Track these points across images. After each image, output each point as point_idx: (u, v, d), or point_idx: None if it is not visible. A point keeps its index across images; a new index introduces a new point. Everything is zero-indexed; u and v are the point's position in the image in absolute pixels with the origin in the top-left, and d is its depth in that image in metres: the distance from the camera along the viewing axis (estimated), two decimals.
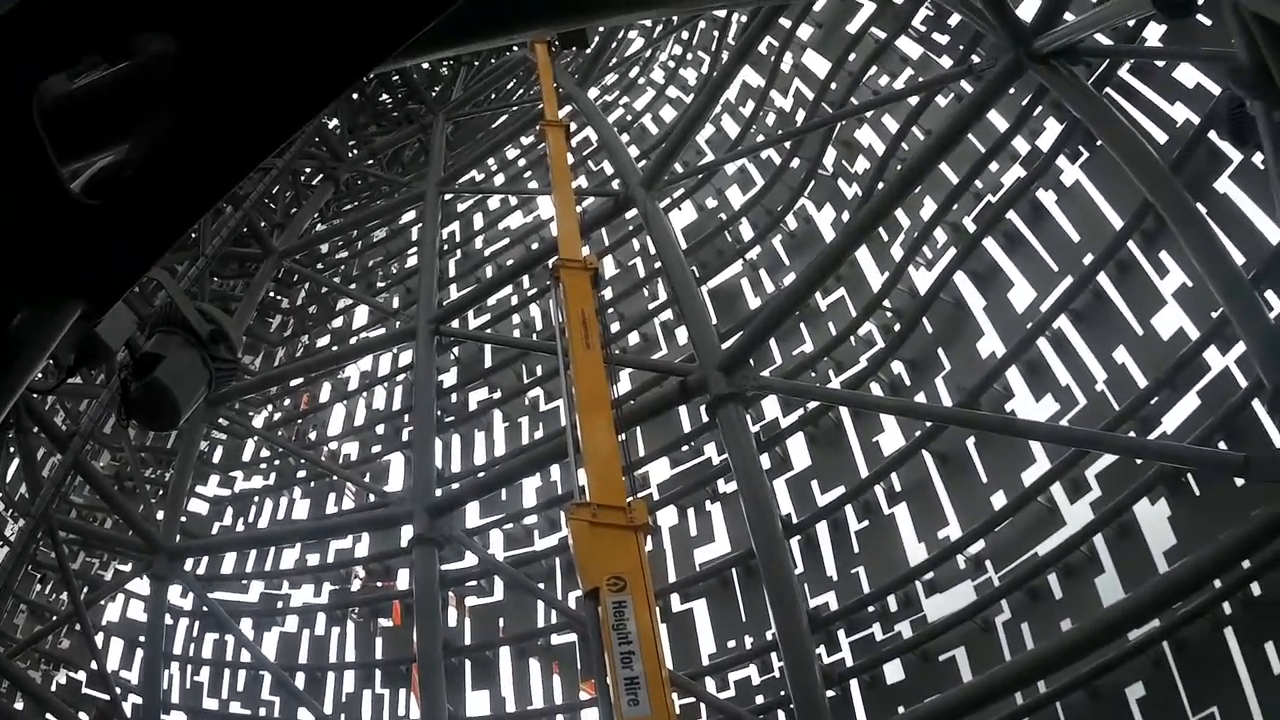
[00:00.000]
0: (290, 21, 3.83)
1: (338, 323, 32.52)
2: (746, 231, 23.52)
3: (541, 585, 21.14)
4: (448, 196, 29.39)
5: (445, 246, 29.93)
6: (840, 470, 18.58)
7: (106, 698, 21.86)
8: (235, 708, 24.88)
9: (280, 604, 25.86)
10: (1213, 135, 13.38)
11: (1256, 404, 12.25)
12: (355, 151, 34.89)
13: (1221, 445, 12.61)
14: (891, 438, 18.07)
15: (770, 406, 20.08)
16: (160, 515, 23.15)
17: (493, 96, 34.23)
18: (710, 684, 18.24)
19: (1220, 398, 12.88)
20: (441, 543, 19.98)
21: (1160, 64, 14.94)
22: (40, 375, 4.82)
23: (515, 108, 32.79)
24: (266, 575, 26.43)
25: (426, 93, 35.83)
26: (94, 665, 22.46)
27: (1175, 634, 12.45)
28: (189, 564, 23.78)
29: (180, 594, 24.73)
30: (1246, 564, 11.59)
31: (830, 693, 15.50)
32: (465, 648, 21.41)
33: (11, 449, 24.03)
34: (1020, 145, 17.30)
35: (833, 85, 21.91)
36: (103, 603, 26.66)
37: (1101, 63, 15.19)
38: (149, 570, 22.48)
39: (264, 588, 26.31)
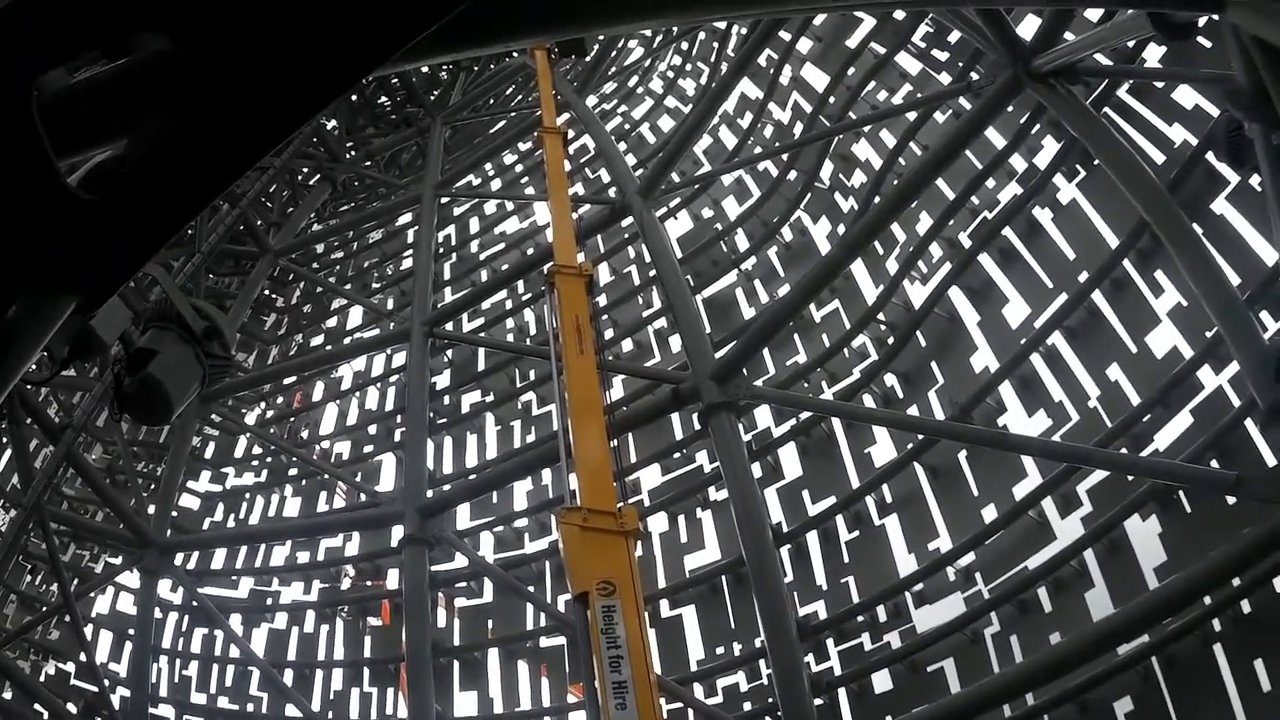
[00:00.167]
0: (290, 23, 3.86)
1: (332, 322, 32.57)
2: (742, 242, 23.56)
3: (531, 588, 21.15)
4: (444, 200, 29.45)
5: (441, 250, 30.02)
6: (831, 481, 18.59)
7: (94, 690, 21.80)
8: (223, 703, 24.88)
9: (270, 600, 25.88)
10: (1210, 156, 13.40)
11: (1249, 423, 12.28)
12: (353, 153, 34.88)
13: (1214, 464, 12.63)
14: (883, 449, 18.09)
15: (762, 416, 20.09)
16: (151, 509, 23.10)
17: (491, 102, 34.31)
18: (698, 690, 18.23)
19: (1213, 417, 12.88)
20: (432, 543, 19.97)
21: (1159, 85, 14.96)
22: (34, 367, 4.84)
23: (513, 113, 32.85)
24: (256, 571, 26.46)
25: (425, 96, 35.78)
26: (83, 657, 22.41)
27: (1164, 650, 12.46)
28: (179, 559, 23.80)
29: (170, 588, 24.78)
30: (1237, 581, 11.63)
31: (818, 701, 15.43)
32: (454, 648, 21.43)
33: (4, 440, 24.08)
34: (1017, 163, 17.33)
35: (831, 99, 21.97)
36: (92, 595, 26.68)
37: (1100, 82, 15.18)
38: (139, 564, 22.43)
39: (254, 584, 26.33)
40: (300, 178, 34.09)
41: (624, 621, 10.42)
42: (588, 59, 29.04)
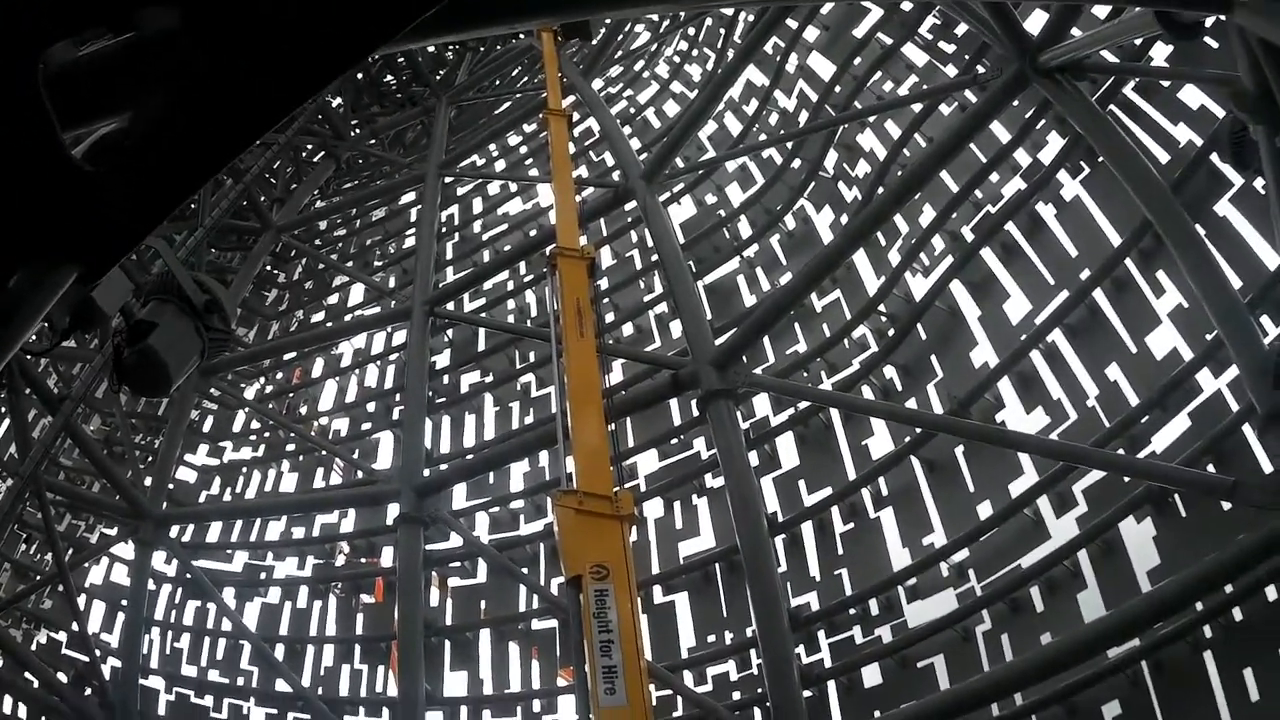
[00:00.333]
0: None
1: (333, 299, 32.53)
2: (745, 229, 23.52)
3: (524, 570, 21.17)
4: (448, 180, 29.37)
5: (443, 229, 29.97)
6: (828, 471, 18.61)
7: (86, 659, 21.84)
8: (213, 676, 24.82)
9: (263, 575, 25.86)
10: (1214, 157, 13.38)
11: (1247, 428, 12.27)
12: (358, 131, 34.81)
13: (1210, 468, 12.64)
14: (880, 442, 18.12)
15: (761, 404, 20.10)
16: (148, 482, 23.10)
17: (497, 83, 34.20)
18: (688, 677, 18.29)
19: (1211, 420, 12.89)
20: (427, 522, 19.95)
21: (1165, 84, 14.93)
22: (35, 337, 4.83)
23: (519, 95, 32.78)
24: (251, 546, 26.45)
25: (431, 76, 35.74)
26: (75, 627, 22.42)
27: (1154, 654, 12.49)
28: (174, 531, 23.76)
29: (164, 560, 24.70)
30: (1230, 588, 11.63)
31: (807, 693, 15.47)
32: (446, 628, 21.42)
33: (3, 409, 24.06)
34: (1021, 157, 17.31)
35: (837, 88, 21.94)
36: (86, 565, 26.67)
37: (1106, 79, 15.19)
38: (134, 535, 22.48)
39: (248, 558, 26.30)
40: (305, 154, 34.13)
41: (616, 606, 10.45)
42: (594, 43, 29.02)
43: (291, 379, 30.84)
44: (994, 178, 17.64)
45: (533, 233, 27.98)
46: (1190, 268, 12.49)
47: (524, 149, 33.14)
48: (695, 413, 18.30)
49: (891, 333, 18.53)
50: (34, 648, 24.93)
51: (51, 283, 4.23)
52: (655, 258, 22.18)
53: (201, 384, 24.79)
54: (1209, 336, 12.97)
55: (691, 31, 29.60)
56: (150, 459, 26.87)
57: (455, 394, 26.04)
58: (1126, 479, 13.65)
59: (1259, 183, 12.13)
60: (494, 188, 32.14)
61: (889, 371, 18.57)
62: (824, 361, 19.66)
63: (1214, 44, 13.51)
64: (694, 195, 25.52)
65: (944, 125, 18.70)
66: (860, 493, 17.95)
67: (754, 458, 18.39)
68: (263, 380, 31.35)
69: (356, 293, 31.75)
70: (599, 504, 11.77)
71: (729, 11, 26.42)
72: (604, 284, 24.01)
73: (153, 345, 8.75)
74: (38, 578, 25.68)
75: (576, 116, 26.48)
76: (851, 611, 17.03)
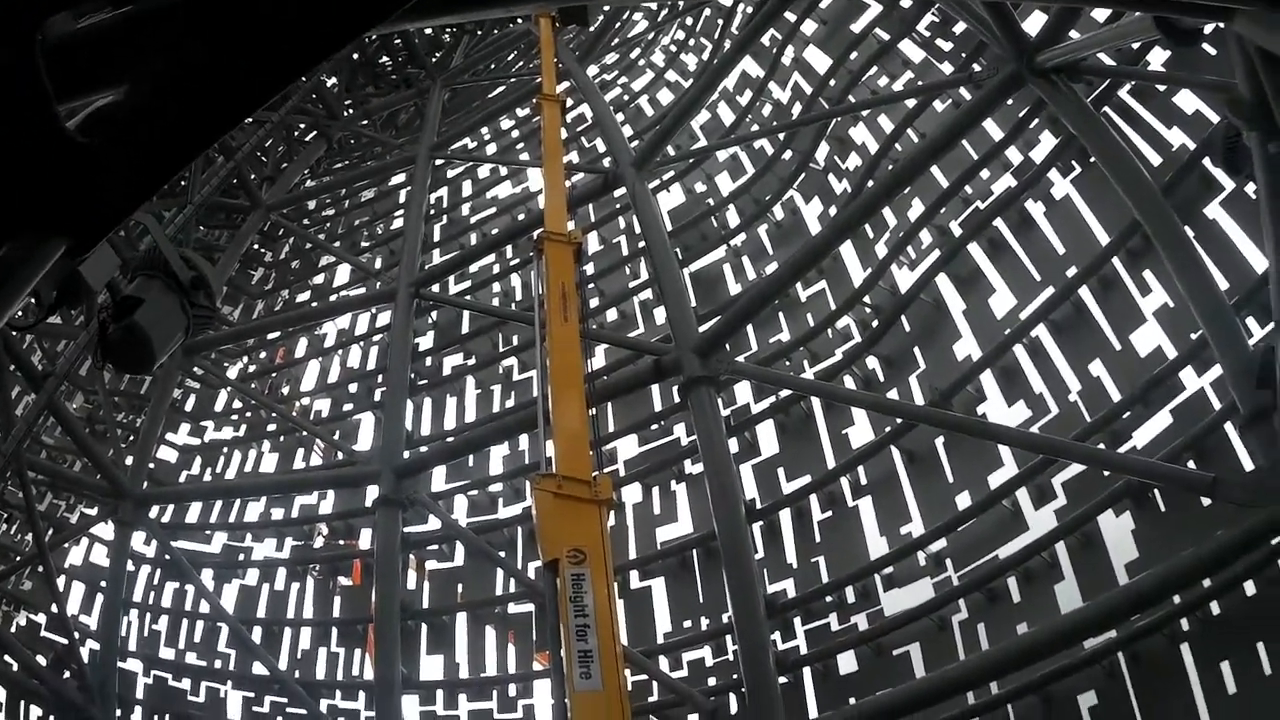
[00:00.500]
0: None
1: (319, 279, 32.40)
2: (733, 218, 23.53)
3: (502, 554, 21.14)
4: (439, 162, 29.36)
5: (431, 211, 29.86)
6: (808, 460, 18.60)
7: (65, 641, 21.76)
8: (191, 658, 24.72)
9: (242, 556, 25.81)
10: (1207, 162, 13.43)
11: (1229, 427, 12.33)
12: (351, 111, 34.85)
13: (1191, 464, 12.69)
14: (861, 431, 18.11)
15: (742, 392, 20.09)
16: (129, 461, 23.09)
17: (492, 67, 34.15)
18: (664, 663, 18.27)
19: (1192, 418, 12.95)
20: (406, 505, 20.00)
21: (1161, 88, 14.95)
22: (20, 314, 4.85)
23: (513, 79, 32.75)
24: (230, 527, 26.35)
25: (427, 58, 35.73)
26: (54, 608, 22.34)
27: (1131, 646, 12.54)
28: (154, 511, 23.79)
29: (143, 541, 24.74)
30: (1208, 583, 11.70)
31: (782, 680, 15.57)
32: (422, 611, 21.35)
33: None
34: (1013, 155, 17.32)
35: (831, 82, 21.96)
36: (66, 546, 26.57)
37: (1102, 82, 15.20)
38: (114, 515, 22.51)
39: (227, 539, 26.24)
40: (297, 134, 34.17)
41: (593, 590, 10.49)
42: (591, 29, 29.05)
43: (275, 359, 30.75)
44: (984, 174, 17.65)
45: (521, 217, 27.89)
46: (1178, 268, 12.56)
47: (516, 133, 33.04)
48: (676, 399, 18.33)
49: (875, 324, 18.51)
50: (14, 630, 24.85)
51: (40, 255, 4.26)
52: (642, 244, 22.21)
53: (185, 362, 24.82)
54: (1194, 336, 13.00)
55: (689, 21, 29.60)
56: (132, 438, 26.86)
57: (437, 376, 25.96)
58: (1106, 473, 13.66)
59: (1250, 188, 12.20)
60: (484, 171, 32.10)
61: (871, 362, 18.56)
62: (807, 351, 19.67)
63: (1212, 50, 13.53)
64: (683, 183, 25.48)
65: (937, 121, 18.72)
66: (839, 481, 17.89)
67: (734, 445, 18.40)
68: (246, 359, 31.24)
69: (342, 273, 31.65)
70: (578, 488, 11.81)
71: (727, 2, 26.47)
72: (590, 269, 24.02)
73: (138, 321, 8.75)
74: (18, 558, 25.59)
75: (570, 102, 26.46)
76: (828, 599, 17.00)
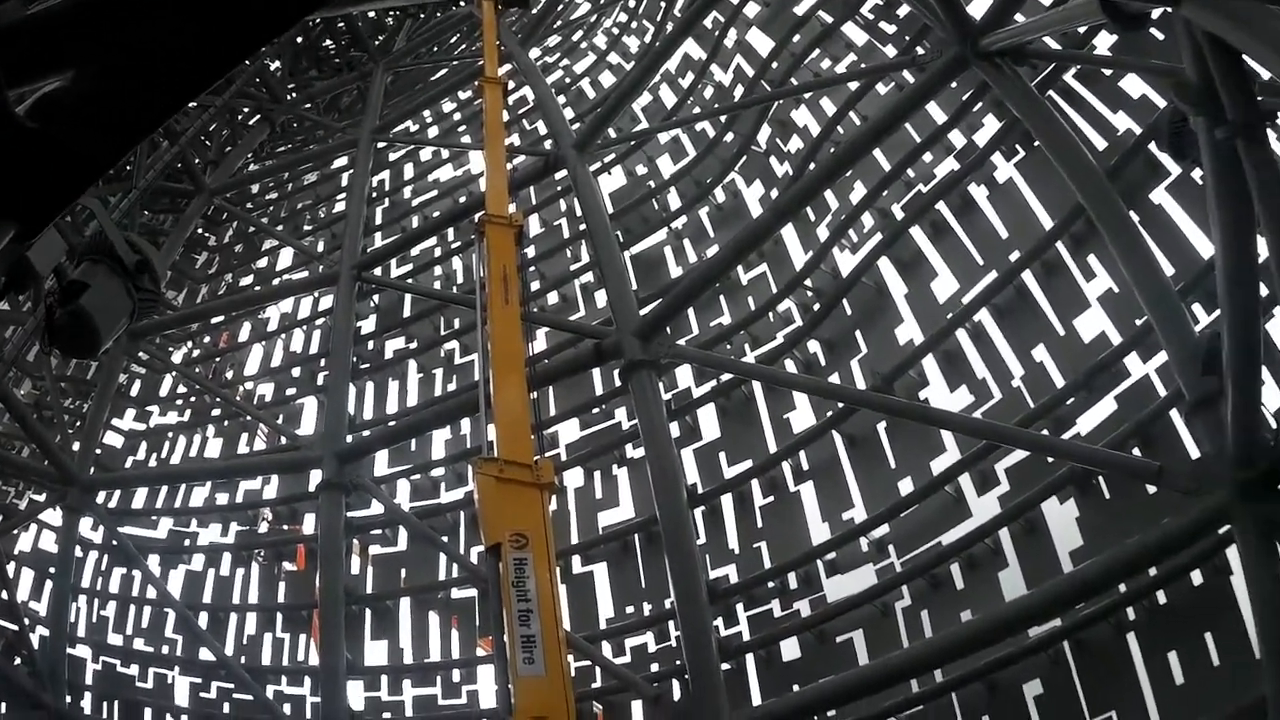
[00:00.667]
0: None
1: (262, 263, 32.25)
2: (674, 201, 23.40)
3: (445, 538, 21.06)
4: (381, 145, 29.29)
5: (374, 194, 29.78)
6: (749, 444, 18.58)
7: (14, 628, 21.61)
8: (139, 644, 24.58)
9: (187, 542, 25.64)
10: (1152, 147, 13.45)
11: (1174, 414, 12.39)
12: (294, 95, 34.83)
13: (1136, 451, 12.74)
14: (802, 416, 18.10)
15: (683, 375, 20.06)
16: (76, 447, 22.94)
17: (435, 50, 34.13)
18: (606, 648, 18.23)
19: (1137, 405, 12.99)
20: (349, 489, 19.93)
21: (1107, 72, 14.96)
22: None
23: (455, 62, 32.78)
24: (175, 512, 26.17)
25: (370, 41, 35.69)
26: (3, 595, 22.14)
27: (1076, 634, 12.60)
28: (101, 497, 23.61)
29: (90, 527, 24.63)
30: (1154, 572, 11.74)
31: (725, 666, 15.56)
32: (366, 596, 21.26)
33: None
34: (956, 139, 17.32)
35: (774, 64, 21.92)
36: (15, 532, 26.34)
37: (1048, 66, 15.21)
38: (62, 502, 22.45)
39: (172, 525, 26.06)
40: (240, 117, 34.12)
41: (535, 575, 10.45)
42: (533, 11, 28.97)
43: (219, 343, 30.59)
44: (927, 157, 17.65)
45: (462, 199, 27.71)
46: (1122, 253, 12.59)
47: (458, 116, 32.95)
48: (617, 383, 18.34)
49: (817, 308, 18.47)
50: None
51: None
52: (583, 227, 22.14)
53: (130, 347, 24.81)
54: (1138, 322, 13.03)
55: (632, 4, 29.52)
56: (78, 424, 26.69)
57: (379, 360, 25.83)
58: (1050, 460, 13.70)
59: (1196, 174, 12.23)
60: (426, 154, 31.95)
61: (813, 346, 18.55)
62: (748, 334, 19.61)
63: (1159, 35, 13.56)
64: (625, 166, 25.36)
65: (880, 104, 18.70)
66: (781, 466, 17.88)
67: (675, 429, 18.47)
68: (190, 344, 31.02)
69: (285, 257, 31.50)
70: (519, 472, 11.79)
71: None
72: (531, 251, 23.91)
73: (84, 306, 8.69)
74: None
75: (512, 85, 26.39)
76: (770, 585, 16.99)
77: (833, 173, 17.24)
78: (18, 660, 20.83)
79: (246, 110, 33.97)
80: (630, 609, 18.59)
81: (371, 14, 35.81)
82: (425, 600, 21.12)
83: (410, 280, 27.10)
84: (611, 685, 17.48)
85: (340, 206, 31.20)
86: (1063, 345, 14.45)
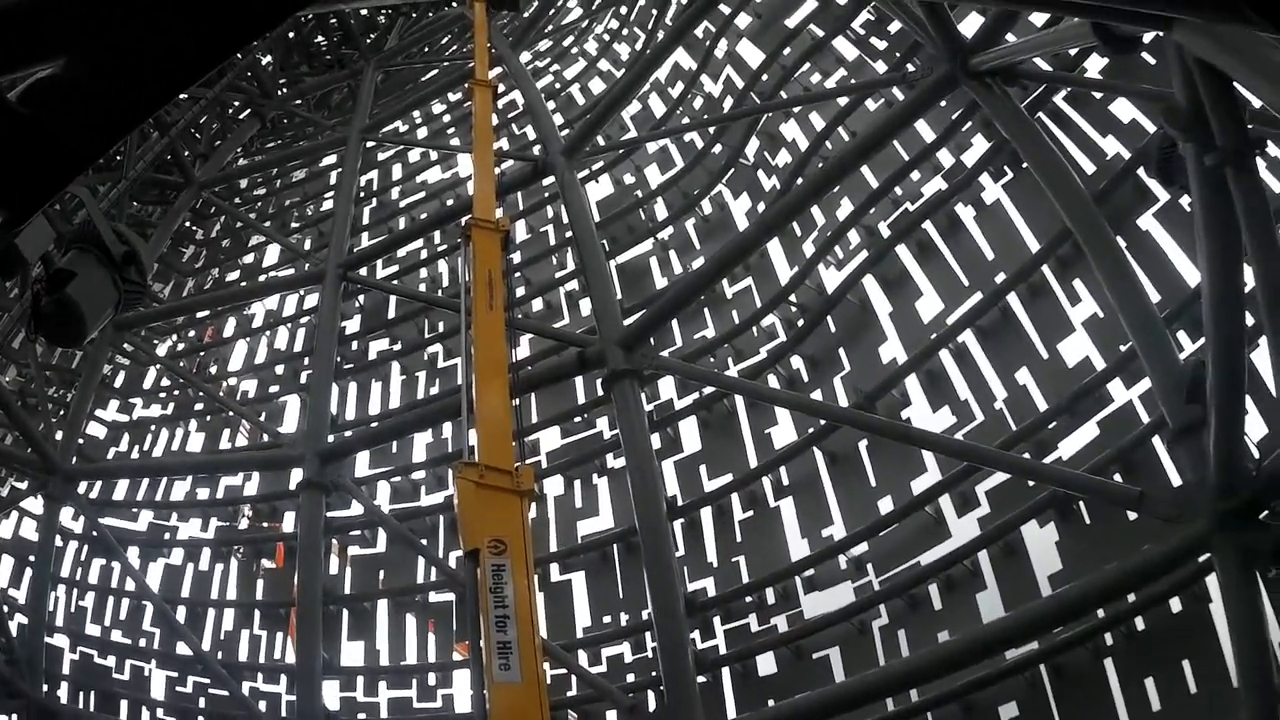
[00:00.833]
0: None
1: (249, 259, 32.14)
2: (661, 211, 23.40)
3: (424, 541, 21.01)
4: (369, 144, 29.19)
5: (362, 194, 29.68)
6: (730, 458, 18.58)
7: None
8: (116, 636, 24.51)
9: (167, 535, 25.60)
10: (1141, 172, 13.47)
11: (1156, 441, 12.39)
12: (285, 90, 34.72)
13: (1117, 477, 12.73)
14: (784, 431, 18.10)
15: (666, 387, 20.00)
16: (59, 436, 22.87)
17: (426, 50, 34.01)
18: (583, 657, 18.20)
19: (1120, 431, 13.00)
20: (329, 489, 19.83)
21: (1097, 95, 14.94)
22: None
23: (446, 63, 32.61)
24: (156, 505, 26.10)
25: (362, 39, 35.59)
26: None
27: (1054, 658, 12.61)
28: (82, 487, 23.52)
29: (71, 517, 24.57)
30: (1132, 598, 11.74)
31: (701, 679, 15.57)
32: (344, 597, 21.31)
33: None
34: (945, 158, 17.31)
35: (764, 77, 21.84)
36: None
37: (1038, 87, 15.19)
38: (44, 490, 22.39)
39: (153, 517, 26.00)
40: (231, 111, 33.92)
41: (513, 582, 10.37)
42: (525, 15, 28.93)
43: (203, 337, 30.53)
44: (915, 176, 17.63)
45: (450, 202, 27.74)
46: (1108, 278, 12.54)
47: (447, 117, 32.90)
48: (600, 392, 18.29)
49: (801, 323, 18.48)
50: None
51: None
52: (570, 234, 22.08)
53: (115, 338, 24.61)
54: (1123, 348, 13.03)
55: (624, 10, 29.41)
56: (62, 413, 26.62)
57: (363, 360, 25.82)
58: (1031, 483, 13.70)
59: (1185, 200, 12.23)
60: (414, 155, 31.88)
61: (796, 362, 18.56)
62: (731, 348, 19.63)
63: (1151, 60, 13.54)
64: (612, 174, 25.35)
65: (869, 120, 18.71)
66: (761, 481, 17.92)
67: (656, 440, 18.36)
68: (175, 337, 30.95)
69: (272, 253, 31.40)
70: (500, 478, 11.61)
71: None
72: (517, 257, 23.87)
73: (71, 294, 8.67)
74: None
75: (502, 88, 26.37)
76: (748, 599, 17.01)
77: (820, 188, 17.21)
78: None
79: (237, 104, 33.83)
80: (607, 619, 18.58)
81: (364, 11, 35.69)
82: (403, 603, 21.12)
83: (396, 282, 27.06)
84: (587, 694, 17.45)
85: (328, 205, 31.11)
86: (1046, 369, 14.45)
